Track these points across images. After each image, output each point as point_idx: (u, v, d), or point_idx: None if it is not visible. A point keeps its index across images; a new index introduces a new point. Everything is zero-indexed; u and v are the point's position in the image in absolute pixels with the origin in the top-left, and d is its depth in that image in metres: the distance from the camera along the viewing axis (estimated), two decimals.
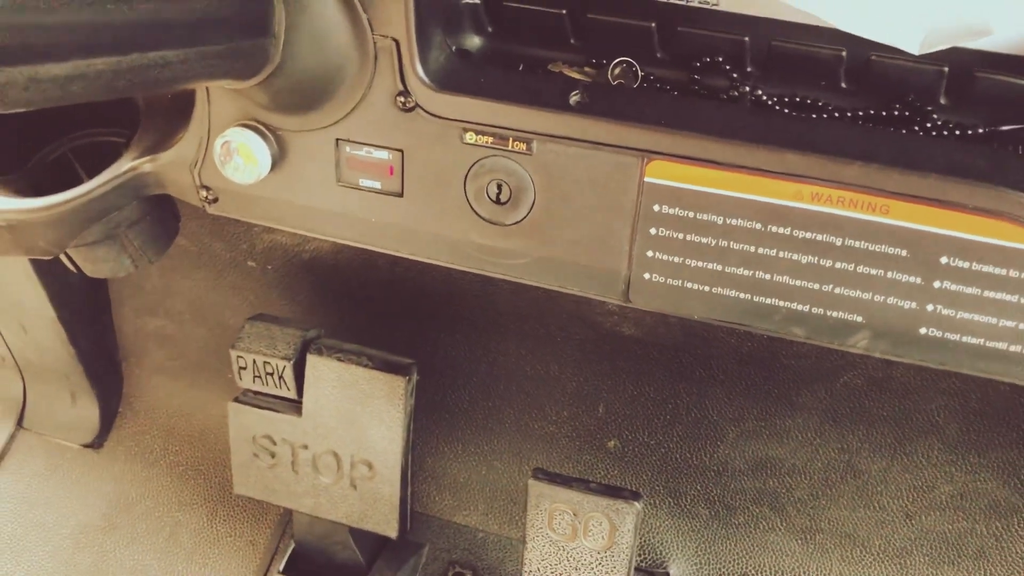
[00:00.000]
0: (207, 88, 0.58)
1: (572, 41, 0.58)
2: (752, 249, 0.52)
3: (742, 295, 0.53)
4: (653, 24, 0.55)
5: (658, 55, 0.57)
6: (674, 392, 0.82)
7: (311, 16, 0.51)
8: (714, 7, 0.58)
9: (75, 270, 0.70)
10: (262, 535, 0.90)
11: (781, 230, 0.50)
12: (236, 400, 0.78)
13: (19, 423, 0.99)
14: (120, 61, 0.40)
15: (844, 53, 0.54)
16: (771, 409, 0.79)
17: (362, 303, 0.87)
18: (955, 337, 0.50)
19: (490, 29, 0.59)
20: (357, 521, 0.77)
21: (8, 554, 0.91)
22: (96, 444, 0.97)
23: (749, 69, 0.55)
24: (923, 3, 0.52)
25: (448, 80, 0.54)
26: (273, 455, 0.78)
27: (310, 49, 0.52)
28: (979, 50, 0.53)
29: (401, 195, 0.58)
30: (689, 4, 0.57)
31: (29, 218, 0.63)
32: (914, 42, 0.53)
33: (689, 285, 0.54)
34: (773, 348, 0.76)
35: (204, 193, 0.62)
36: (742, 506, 0.82)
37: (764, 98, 0.56)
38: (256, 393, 0.77)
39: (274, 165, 0.59)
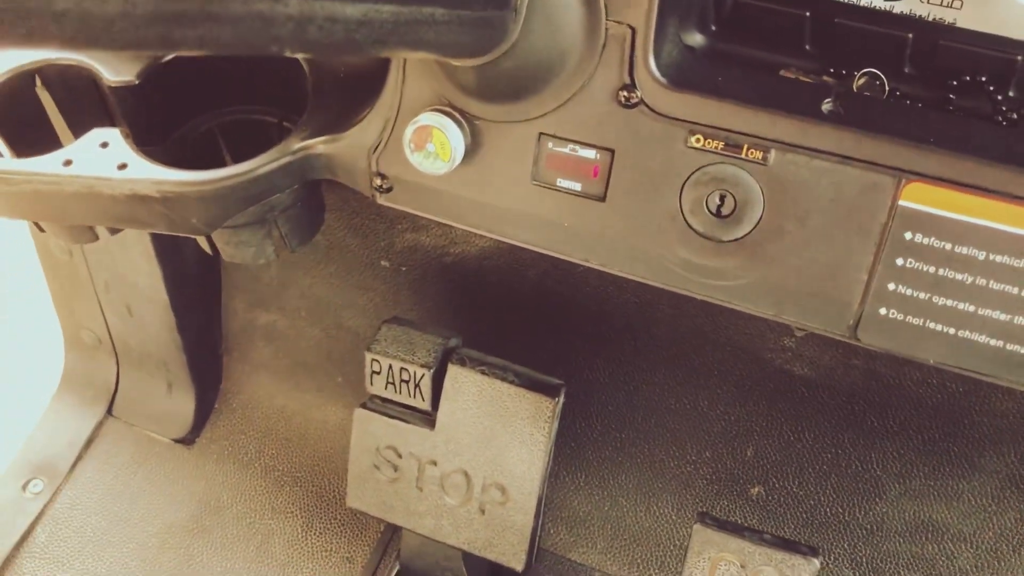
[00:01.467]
0: (403, 66, 0.54)
1: (807, 47, 0.53)
2: (1016, 291, 0.46)
3: (993, 341, 0.48)
4: (910, 35, 0.50)
5: (906, 70, 0.51)
6: (837, 440, 0.75)
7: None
8: (952, 23, 0.53)
9: (211, 252, 0.66)
10: (360, 552, 0.84)
11: None
12: (363, 406, 0.73)
13: (109, 411, 0.94)
14: (399, 12, 0.35)
15: None
16: (946, 468, 0.73)
17: (502, 314, 0.82)
18: None
19: (714, 28, 0.54)
20: (481, 549, 0.72)
21: (91, 548, 0.86)
22: (188, 440, 0.92)
23: (1012, 93, 0.50)
24: None
25: (680, 76, 0.49)
26: (396, 468, 0.73)
27: (544, 30, 0.47)
28: None
29: (603, 199, 0.53)
30: (935, 20, 0.53)
31: (186, 191, 0.59)
32: None
33: (932, 325, 0.48)
34: (967, 403, 0.70)
35: (379, 181, 0.58)
36: (893, 571, 0.76)
37: None
38: (386, 401, 0.72)
39: (465, 157, 0.54)
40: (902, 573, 0.76)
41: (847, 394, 0.74)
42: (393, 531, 0.83)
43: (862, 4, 0.53)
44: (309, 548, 0.85)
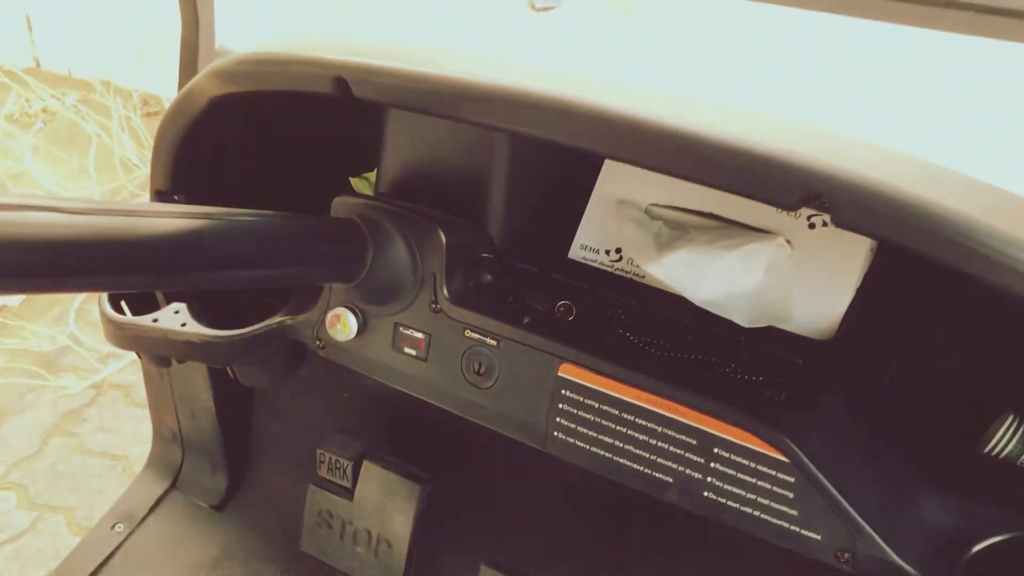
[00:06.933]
0: (330, 285, 0.99)
1: (541, 288, 0.96)
2: (611, 425, 0.85)
3: (605, 454, 0.86)
4: (585, 283, 0.92)
5: (589, 303, 0.93)
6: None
7: (388, 255, 0.90)
8: (640, 279, 0.94)
9: (232, 377, 1.11)
10: None
11: (627, 416, 0.84)
12: (314, 484, 1.15)
13: (174, 483, 1.39)
14: (279, 273, 0.81)
15: (688, 320, 0.88)
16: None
17: (405, 425, 1.23)
18: (725, 502, 0.81)
19: (489, 277, 0.97)
20: None
21: (147, 571, 1.29)
22: (220, 507, 1.35)
23: (639, 321, 0.91)
24: (751, 297, 0.87)
25: (460, 299, 0.92)
26: (330, 526, 1.13)
27: (384, 272, 0.91)
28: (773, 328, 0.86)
29: (426, 360, 0.95)
30: (621, 273, 0.94)
31: (215, 341, 1.04)
32: (744, 320, 0.87)
33: (579, 444, 0.87)
34: None
35: (319, 342, 1.02)
36: None
37: (637, 341, 0.90)
38: (327, 480, 1.14)
39: (359, 332, 0.98)
40: None
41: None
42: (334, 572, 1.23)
43: (592, 265, 0.95)
44: None
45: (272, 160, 1.14)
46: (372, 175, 1.22)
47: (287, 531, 1.29)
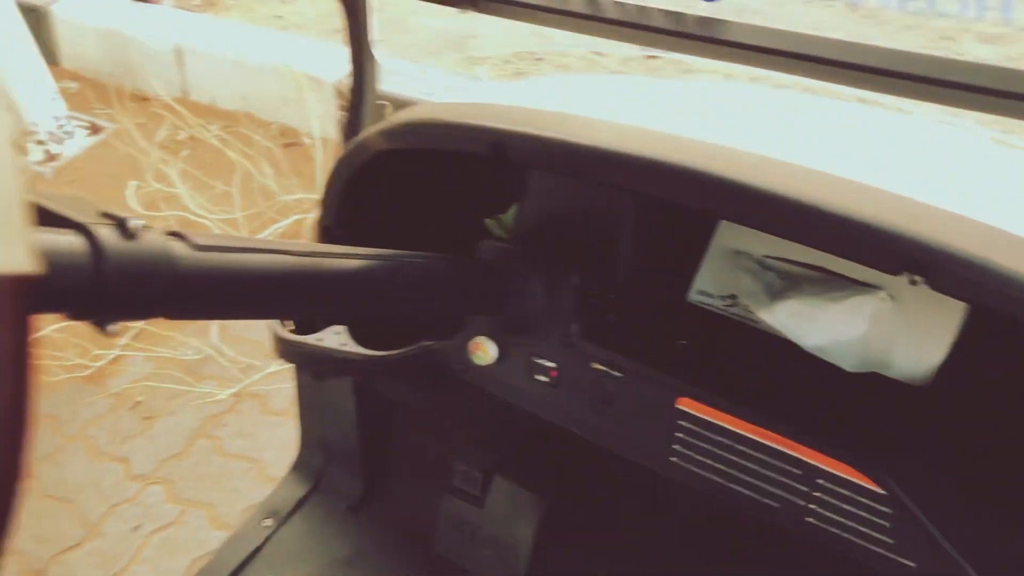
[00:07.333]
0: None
1: (661, 327, 1.07)
2: (724, 454, 0.95)
3: (717, 479, 0.96)
4: (701, 324, 1.03)
5: (706, 343, 1.04)
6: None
7: (527, 294, 1.03)
8: (752, 323, 1.05)
9: (377, 391, 1.26)
10: None
11: (739, 446, 0.94)
12: (449, 491, 1.28)
13: (316, 486, 1.56)
14: (437, 307, 0.95)
15: (797, 363, 0.98)
16: None
17: (531, 442, 1.35)
18: (826, 528, 0.90)
19: (614, 316, 1.09)
20: None
21: (291, 562, 1.45)
22: (356, 509, 1.51)
23: (752, 360, 1.01)
24: (855, 345, 0.96)
25: (589, 335, 1.04)
26: (461, 531, 1.26)
27: (523, 308, 1.04)
28: None
29: (556, 388, 1.07)
30: (735, 317, 1.05)
31: (373, 360, 1.19)
32: (849, 365, 0.96)
33: (694, 469, 0.98)
34: None
35: (460, 366, 1.16)
36: None
37: (750, 379, 1.00)
38: (461, 490, 1.28)
39: (499, 359, 1.11)
40: None
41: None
42: None
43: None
44: None
45: (419, 202, 1.29)
46: (505, 217, 1.37)
47: (417, 533, 1.43)
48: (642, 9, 0.90)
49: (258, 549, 1.47)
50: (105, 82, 3.87)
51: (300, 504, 1.53)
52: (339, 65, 3.21)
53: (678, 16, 0.90)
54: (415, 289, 0.93)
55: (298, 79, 3.12)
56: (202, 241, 0.68)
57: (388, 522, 1.47)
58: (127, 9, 4.00)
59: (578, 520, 1.26)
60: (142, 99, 3.74)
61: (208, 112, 3.61)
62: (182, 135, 3.50)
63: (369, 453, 1.49)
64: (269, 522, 1.51)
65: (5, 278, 0.36)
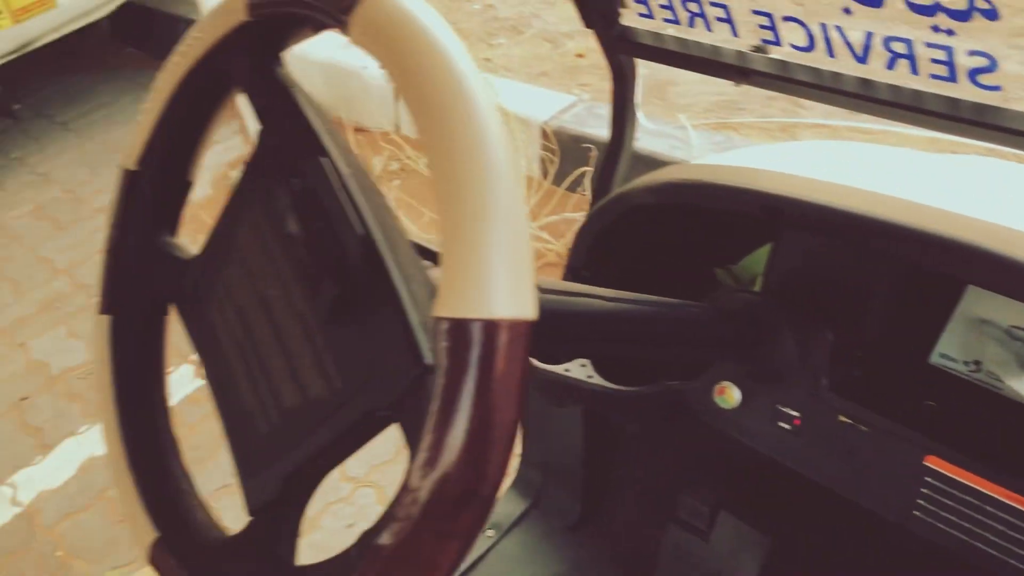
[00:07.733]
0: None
1: (905, 386, 1.12)
2: (968, 512, 1.00)
3: (959, 535, 1.01)
4: (946, 387, 1.08)
5: (951, 404, 1.08)
6: None
7: (776, 345, 1.11)
8: (997, 390, 1.09)
9: (607, 421, 1.36)
10: None
11: (985, 506, 0.98)
12: (674, 523, 1.37)
13: (535, 503, 1.68)
14: (692, 350, 1.05)
15: None
16: None
17: (757, 483, 1.41)
18: None
19: (859, 373, 1.15)
20: None
21: (504, 570, 1.57)
22: (574, 529, 1.62)
23: (997, 424, 1.05)
24: None
25: (837, 389, 1.11)
26: (685, 562, 1.35)
27: (771, 358, 1.12)
28: None
29: (799, 436, 1.15)
30: (978, 383, 1.09)
31: (618, 393, 1.29)
32: None
33: (938, 524, 1.03)
34: None
35: (702, 407, 1.24)
36: None
37: (996, 441, 1.04)
38: (687, 523, 1.36)
39: (741, 404, 1.19)
40: None
41: None
42: None
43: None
44: None
45: (656, 250, 1.40)
46: (736, 268, 1.45)
47: (634, 559, 1.52)
48: (917, 94, 0.97)
49: (484, 555, 1.60)
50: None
51: (520, 519, 1.66)
52: (545, 108, 3.38)
53: (953, 101, 0.96)
54: (674, 332, 1.04)
55: (508, 119, 3.32)
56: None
57: (605, 545, 1.57)
58: (348, 44, 4.35)
59: (804, 562, 1.32)
60: (360, 130, 4.06)
61: (417, 145, 3.88)
62: (394, 165, 3.77)
63: (591, 478, 1.59)
64: (491, 533, 1.64)
65: (522, 323, 0.49)
